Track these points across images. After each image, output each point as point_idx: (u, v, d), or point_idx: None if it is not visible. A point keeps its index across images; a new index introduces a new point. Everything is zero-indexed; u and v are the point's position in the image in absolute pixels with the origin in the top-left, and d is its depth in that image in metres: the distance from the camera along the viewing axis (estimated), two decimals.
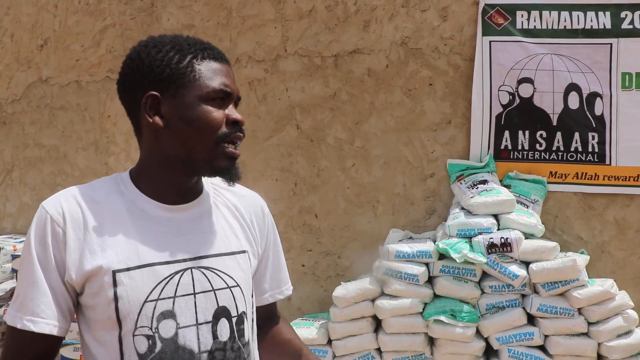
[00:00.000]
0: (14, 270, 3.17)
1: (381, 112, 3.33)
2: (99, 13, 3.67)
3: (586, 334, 2.76)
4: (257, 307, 1.39)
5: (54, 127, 3.77)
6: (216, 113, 1.21)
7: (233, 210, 1.34)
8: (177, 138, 1.21)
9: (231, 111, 1.23)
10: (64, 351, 3.00)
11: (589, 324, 2.75)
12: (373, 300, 2.87)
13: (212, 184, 1.35)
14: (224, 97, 1.23)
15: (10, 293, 3.30)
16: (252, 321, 1.31)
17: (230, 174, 1.23)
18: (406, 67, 3.31)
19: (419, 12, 3.29)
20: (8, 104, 3.86)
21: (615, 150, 3.13)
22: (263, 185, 3.36)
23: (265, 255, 1.41)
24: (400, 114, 3.32)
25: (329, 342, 2.93)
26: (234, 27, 3.47)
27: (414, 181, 3.31)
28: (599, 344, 2.73)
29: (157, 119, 1.22)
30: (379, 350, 2.89)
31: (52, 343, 1.19)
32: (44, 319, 1.15)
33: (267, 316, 1.46)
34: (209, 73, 1.23)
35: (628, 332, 2.74)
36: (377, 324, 2.93)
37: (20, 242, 3.49)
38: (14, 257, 3.18)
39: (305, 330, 2.92)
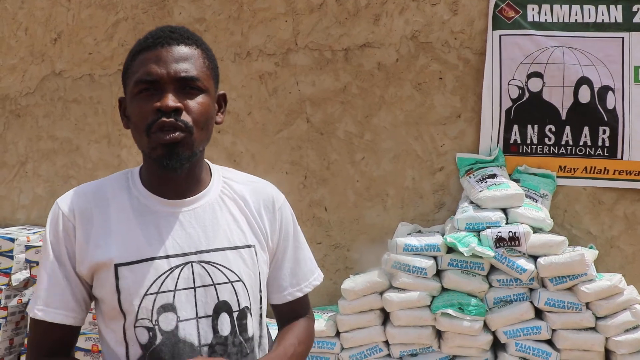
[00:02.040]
0: (28, 261, 3.22)
1: (391, 106, 3.34)
2: (112, 7, 3.71)
3: (594, 329, 2.76)
4: (278, 305, 1.39)
5: (67, 119, 3.81)
6: (142, 106, 1.18)
7: (240, 204, 1.31)
8: (133, 135, 1.24)
9: (160, 99, 1.17)
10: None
11: (597, 318, 2.75)
12: (381, 293, 2.88)
13: (222, 176, 1.34)
14: (149, 87, 1.18)
15: (25, 283, 3.36)
16: (260, 316, 1.30)
17: (166, 161, 1.18)
18: (416, 61, 3.31)
19: (429, 6, 3.29)
20: (22, 97, 3.91)
21: (628, 144, 3.11)
22: (273, 178, 3.35)
23: (279, 249, 1.36)
24: (410, 107, 3.32)
25: (337, 334, 2.95)
26: (245, 21, 3.49)
27: (423, 175, 3.32)
28: (607, 339, 2.73)
29: (125, 120, 1.27)
30: (386, 342, 2.91)
31: (68, 332, 1.24)
32: (55, 309, 1.20)
33: (291, 315, 1.42)
34: (137, 66, 1.20)
35: (636, 327, 2.73)
36: (385, 317, 2.95)
37: (34, 232, 3.55)
38: (28, 247, 3.23)
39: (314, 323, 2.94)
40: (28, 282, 3.37)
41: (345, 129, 3.39)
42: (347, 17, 3.37)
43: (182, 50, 1.20)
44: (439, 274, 2.89)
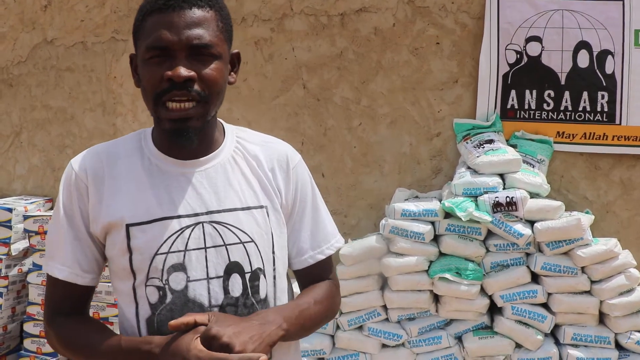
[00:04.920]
0: (27, 231, 3.22)
1: (388, 71, 3.31)
2: None
3: (589, 292, 2.80)
4: (300, 269, 1.36)
5: (61, 88, 3.77)
6: (153, 72, 1.16)
7: (252, 164, 1.29)
8: (142, 97, 1.23)
9: (171, 66, 1.14)
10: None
11: (592, 282, 2.79)
12: (379, 258, 2.91)
13: (236, 136, 1.32)
14: (160, 54, 1.15)
15: (24, 252, 3.37)
16: (274, 278, 1.28)
17: (176, 137, 1.17)
18: (413, 25, 3.27)
19: None
20: (14, 66, 3.85)
21: (626, 109, 3.10)
22: None
23: (297, 211, 1.34)
24: (407, 73, 3.30)
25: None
26: None
27: (421, 140, 3.31)
28: (601, 302, 2.77)
29: (136, 77, 1.25)
30: (384, 307, 2.94)
31: (80, 290, 1.26)
32: (65, 266, 1.23)
33: (313, 280, 1.37)
34: (149, 29, 1.17)
35: (630, 291, 2.77)
36: (383, 282, 2.98)
37: (31, 202, 3.54)
38: (26, 217, 3.24)
39: None
40: (27, 252, 3.38)
41: (341, 95, 3.36)
42: None
43: (195, 13, 1.16)
44: (436, 239, 2.91)
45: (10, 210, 3.31)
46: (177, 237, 1.19)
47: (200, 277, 1.20)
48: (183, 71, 1.13)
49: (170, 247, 1.19)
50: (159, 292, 1.19)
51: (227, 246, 1.21)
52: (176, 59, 1.14)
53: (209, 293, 1.20)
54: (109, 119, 3.69)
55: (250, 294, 1.23)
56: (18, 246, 3.34)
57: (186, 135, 1.17)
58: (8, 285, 3.29)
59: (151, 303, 1.20)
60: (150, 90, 1.17)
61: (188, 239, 1.20)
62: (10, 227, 3.30)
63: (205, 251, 1.20)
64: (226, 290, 1.21)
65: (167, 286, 1.19)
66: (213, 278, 1.20)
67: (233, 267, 1.21)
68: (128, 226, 1.19)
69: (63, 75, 3.76)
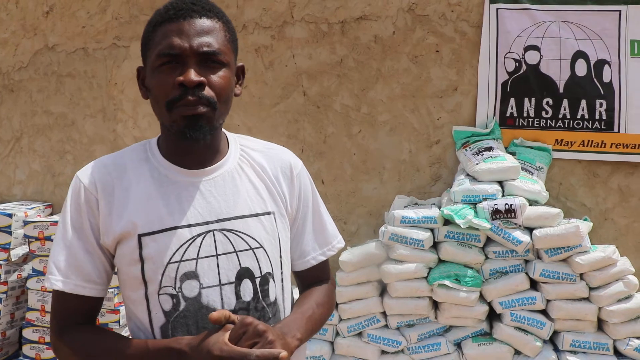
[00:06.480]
0: (26, 236, 3.22)
1: (387, 79, 3.33)
2: None
3: (587, 299, 2.81)
4: (302, 271, 1.42)
5: (62, 94, 3.78)
6: (164, 80, 1.19)
7: (258, 171, 1.33)
8: (152, 107, 1.25)
9: (183, 72, 1.17)
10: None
11: (591, 289, 2.80)
12: (379, 265, 2.92)
13: (240, 145, 1.36)
14: (172, 60, 1.19)
15: (24, 258, 3.37)
16: (282, 281, 1.32)
17: (189, 132, 1.19)
18: (413, 33, 3.30)
19: None
20: (15, 72, 3.87)
21: (624, 117, 3.12)
22: None
23: (299, 215, 1.39)
24: (407, 80, 3.32)
25: (335, 305, 3.00)
26: None
27: (420, 148, 3.33)
28: (600, 309, 2.79)
29: (143, 90, 1.29)
30: (384, 313, 2.96)
31: (89, 302, 1.27)
32: (75, 280, 1.24)
33: (313, 280, 1.44)
34: (159, 38, 1.20)
35: (628, 297, 2.78)
36: (383, 288, 2.99)
37: (31, 208, 3.55)
38: (26, 223, 3.24)
39: None
40: (27, 258, 3.38)
41: (341, 102, 3.38)
42: None
43: (204, 23, 1.20)
44: (435, 245, 2.93)
45: (10, 215, 3.31)
46: (189, 246, 1.22)
47: (213, 283, 1.23)
48: (194, 76, 1.17)
49: (183, 256, 1.22)
50: (172, 300, 1.22)
51: (238, 252, 1.25)
52: (186, 66, 1.18)
53: (221, 299, 1.23)
54: (110, 125, 3.71)
55: (260, 298, 1.27)
56: (18, 252, 3.33)
57: (200, 130, 1.19)
58: (7, 291, 3.28)
59: (165, 311, 1.22)
60: (162, 98, 1.20)
61: (200, 247, 1.23)
62: (10, 233, 3.30)
63: (217, 258, 1.23)
64: (238, 295, 1.24)
65: (180, 294, 1.21)
66: (225, 284, 1.24)
67: (244, 273, 1.25)
68: (140, 236, 1.21)
69: (64, 81, 3.77)
